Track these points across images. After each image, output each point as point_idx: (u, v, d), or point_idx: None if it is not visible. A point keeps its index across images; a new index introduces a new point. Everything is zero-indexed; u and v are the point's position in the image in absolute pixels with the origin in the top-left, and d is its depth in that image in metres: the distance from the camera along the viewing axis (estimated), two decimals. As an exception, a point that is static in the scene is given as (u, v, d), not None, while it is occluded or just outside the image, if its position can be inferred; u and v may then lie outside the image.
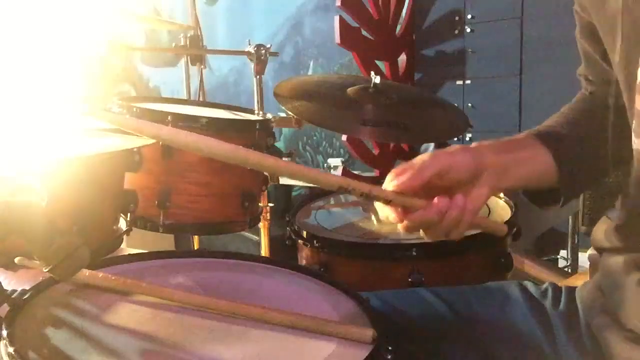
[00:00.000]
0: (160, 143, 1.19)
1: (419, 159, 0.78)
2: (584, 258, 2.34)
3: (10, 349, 0.57)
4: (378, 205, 0.79)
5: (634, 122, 0.74)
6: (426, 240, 0.81)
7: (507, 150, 0.82)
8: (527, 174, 0.83)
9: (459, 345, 0.83)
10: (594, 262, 0.86)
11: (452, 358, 0.83)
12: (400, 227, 0.78)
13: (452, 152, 0.79)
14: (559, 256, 2.57)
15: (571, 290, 0.88)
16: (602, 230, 0.83)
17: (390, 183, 0.77)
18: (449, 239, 0.79)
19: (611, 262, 0.79)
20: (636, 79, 0.72)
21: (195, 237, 1.99)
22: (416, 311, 0.87)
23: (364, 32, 3.30)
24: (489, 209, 1.26)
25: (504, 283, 0.93)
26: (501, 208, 1.27)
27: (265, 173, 1.43)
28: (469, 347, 0.82)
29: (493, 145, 0.82)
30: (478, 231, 1.15)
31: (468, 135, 3.01)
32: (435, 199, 0.76)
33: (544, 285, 0.90)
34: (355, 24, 3.25)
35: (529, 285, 0.90)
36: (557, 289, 0.89)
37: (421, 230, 0.79)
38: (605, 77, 0.85)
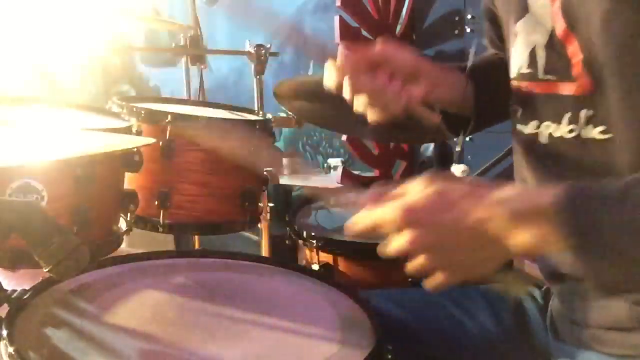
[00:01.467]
0: (161, 143, 1.19)
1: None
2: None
3: (10, 349, 0.58)
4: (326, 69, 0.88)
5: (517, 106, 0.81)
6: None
7: (443, 70, 0.93)
8: (453, 93, 0.92)
9: (459, 344, 0.83)
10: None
11: (452, 357, 0.83)
12: (346, 83, 0.85)
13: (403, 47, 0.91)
14: (559, 256, 2.56)
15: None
16: None
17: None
18: (389, 113, 0.86)
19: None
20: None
21: (195, 237, 1.99)
22: (416, 311, 0.86)
23: (364, 32, 3.30)
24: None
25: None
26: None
27: (265, 173, 1.43)
28: (470, 347, 0.82)
29: (433, 63, 0.93)
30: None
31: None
32: None
33: (546, 286, 0.89)
34: (355, 24, 3.25)
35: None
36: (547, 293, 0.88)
37: (365, 104, 0.87)
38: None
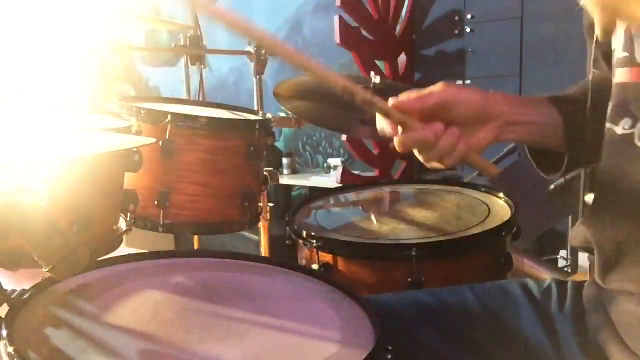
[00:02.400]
0: (161, 143, 1.19)
1: (429, 88, 0.80)
2: (584, 258, 2.33)
3: (10, 349, 0.57)
4: (378, 117, 0.80)
5: (610, 103, 0.74)
6: (425, 163, 0.82)
7: (520, 105, 0.83)
8: (535, 130, 0.84)
9: (459, 346, 0.83)
10: (593, 263, 0.86)
11: (452, 357, 0.83)
12: (395, 142, 0.79)
13: (464, 89, 0.80)
14: (559, 256, 2.56)
15: (575, 287, 0.86)
16: (576, 228, 0.82)
17: (393, 99, 0.78)
18: (443, 164, 0.79)
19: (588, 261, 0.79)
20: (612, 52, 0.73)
21: (195, 237, 1.99)
22: (416, 312, 0.86)
23: (364, 32, 3.30)
24: (489, 209, 1.26)
25: (505, 282, 0.93)
26: (501, 208, 1.27)
27: (265, 173, 1.43)
28: (470, 349, 0.82)
29: (507, 97, 0.83)
30: (479, 231, 1.15)
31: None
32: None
33: (547, 283, 0.88)
34: (355, 24, 3.25)
35: (531, 283, 0.89)
36: (561, 286, 0.87)
37: (415, 150, 0.80)
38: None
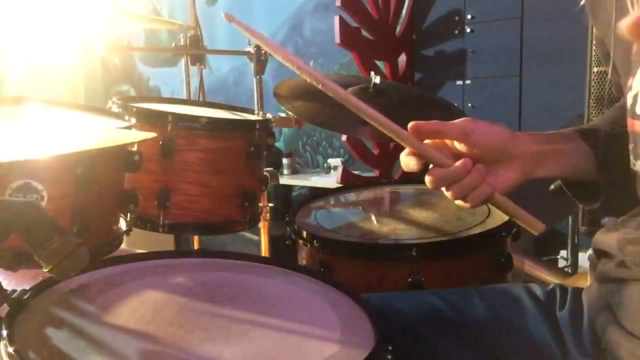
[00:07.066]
0: (161, 143, 1.19)
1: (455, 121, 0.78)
2: (584, 258, 2.34)
3: (10, 349, 0.57)
4: (402, 155, 0.79)
5: (631, 144, 0.74)
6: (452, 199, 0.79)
7: (546, 142, 0.82)
8: (564, 165, 0.82)
9: (460, 347, 0.83)
10: (593, 263, 0.86)
11: (452, 357, 0.83)
12: (427, 180, 0.77)
13: (490, 123, 0.78)
14: (559, 256, 2.57)
15: (577, 291, 0.87)
16: (614, 238, 0.80)
17: (414, 122, 0.76)
18: (467, 203, 0.77)
19: (610, 269, 0.79)
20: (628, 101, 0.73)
21: (195, 237, 1.99)
22: (418, 313, 0.86)
23: (363, 32, 3.30)
24: (489, 209, 1.26)
25: (509, 285, 0.93)
26: (501, 208, 1.27)
27: (265, 173, 1.43)
28: (472, 350, 0.82)
29: (533, 135, 0.82)
30: (479, 231, 1.15)
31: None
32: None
33: (550, 287, 0.89)
34: (355, 24, 3.25)
35: (535, 287, 0.89)
36: (563, 291, 0.88)
37: (444, 189, 0.77)
38: None
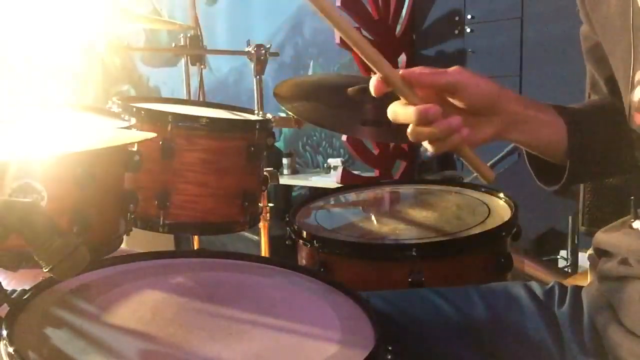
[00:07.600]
0: (161, 143, 1.19)
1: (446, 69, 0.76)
2: (584, 258, 2.33)
3: (10, 349, 0.57)
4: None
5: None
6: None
7: (530, 106, 0.81)
8: (538, 135, 0.82)
9: (460, 345, 0.83)
10: (593, 263, 0.86)
11: (452, 357, 0.83)
12: (388, 111, 0.75)
13: (482, 77, 0.77)
14: (559, 256, 2.56)
15: (577, 289, 0.87)
16: (618, 237, 0.81)
17: (404, 70, 0.74)
18: (432, 148, 0.76)
19: (612, 267, 0.79)
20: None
21: (195, 237, 1.99)
22: (418, 311, 0.86)
23: (364, 32, 3.30)
24: (489, 209, 1.26)
25: (508, 283, 0.93)
26: (501, 208, 1.27)
27: (265, 173, 1.43)
28: (472, 348, 0.82)
29: (519, 96, 0.81)
30: (479, 231, 1.15)
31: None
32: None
33: (549, 285, 0.89)
34: (355, 24, 3.25)
35: (534, 285, 0.89)
36: (562, 289, 0.88)
37: (410, 126, 0.75)
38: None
